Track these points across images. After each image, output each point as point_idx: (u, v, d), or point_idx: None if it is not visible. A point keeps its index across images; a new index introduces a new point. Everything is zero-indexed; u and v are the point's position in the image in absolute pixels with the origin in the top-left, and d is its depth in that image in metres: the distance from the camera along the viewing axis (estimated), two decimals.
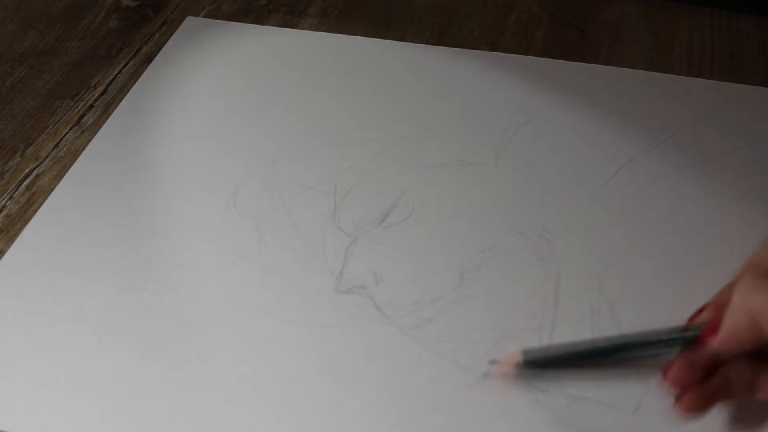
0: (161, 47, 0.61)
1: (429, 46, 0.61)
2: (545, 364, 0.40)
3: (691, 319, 0.39)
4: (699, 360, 0.37)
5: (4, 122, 0.56)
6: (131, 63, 0.60)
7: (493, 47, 0.60)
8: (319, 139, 0.53)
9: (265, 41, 0.62)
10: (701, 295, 0.43)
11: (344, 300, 0.43)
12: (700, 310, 0.39)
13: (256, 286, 0.44)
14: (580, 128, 0.52)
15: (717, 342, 0.36)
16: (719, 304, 0.38)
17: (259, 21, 0.64)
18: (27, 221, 0.48)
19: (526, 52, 0.60)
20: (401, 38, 0.62)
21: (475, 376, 0.40)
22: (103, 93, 0.58)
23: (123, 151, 0.52)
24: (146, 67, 0.59)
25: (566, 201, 0.48)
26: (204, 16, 0.65)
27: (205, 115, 0.55)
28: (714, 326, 0.36)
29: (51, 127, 0.55)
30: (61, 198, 0.50)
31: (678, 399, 0.37)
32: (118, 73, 0.59)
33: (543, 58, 0.59)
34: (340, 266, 0.45)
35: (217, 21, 0.64)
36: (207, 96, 0.57)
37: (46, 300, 0.44)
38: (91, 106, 0.57)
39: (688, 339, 0.38)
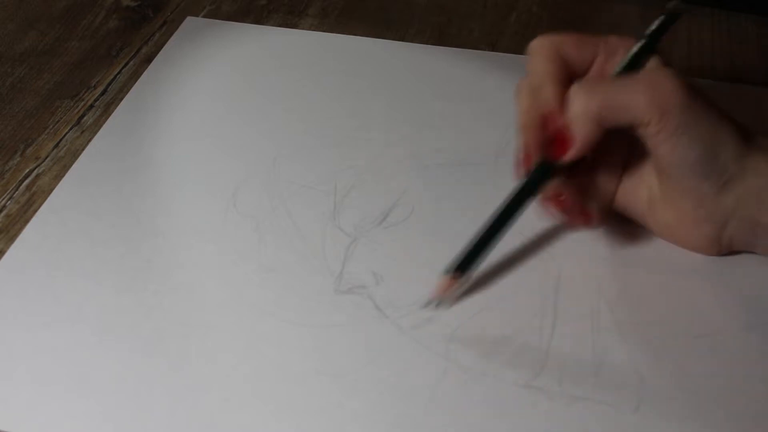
0: (161, 47, 0.61)
1: (429, 46, 0.61)
2: (468, 261, 0.43)
3: (526, 164, 0.43)
4: (564, 185, 0.43)
5: (4, 122, 0.56)
6: (131, 63, 0.60)
7: (493, 47, 0.60)
8: (319, 139, 0.53)
9: (265, 41, 0.62)
10: (701, 295, 0.43)
11: (344, 300, 0.43)
12: (527, 157, 0.43)
13: (256, 286, 0.44)
14: None
15: (575, 149, 0.41)
16: (529, 142, 0.42)
17: (259, 21, 0.64)
18: (27, 221, 0.48)
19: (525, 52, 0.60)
20: (401, 38, 0.62)
21: (475, 375, 0.40)
22: (103, 93, 0.58)
23: (123, 151, 0.52)
24: (146, 67, 0.59)
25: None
26: (204, 16, 0.65)
27: (205, 115, 0.55)
28: (559, 141, 0.41)
29: (51, 127, 0.55)
30: (61, 198, 0.49)
31: (570, 221, 0.44)
32: (118, 73, 0.59)
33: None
34: (340, 266, 0.45)
35: (217, 21, 0.64)
36: (207, 96, 0.57)
37: (46, 300, 0.44)
38: (91, 106, 0.57)
39: (544, 170, 0.42)
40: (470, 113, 0.54)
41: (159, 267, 0.45)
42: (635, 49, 0.43)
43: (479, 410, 0.38)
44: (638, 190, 0.45)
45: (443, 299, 0.43)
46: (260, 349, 0.41)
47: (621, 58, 0.43)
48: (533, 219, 0.47)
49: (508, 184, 0.49)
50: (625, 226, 0.46)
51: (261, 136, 0.53)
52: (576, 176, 0.44)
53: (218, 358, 0.41)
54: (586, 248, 0.45)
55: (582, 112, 0.40)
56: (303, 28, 0.63)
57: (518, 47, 0.60)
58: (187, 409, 0.39)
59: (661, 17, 0.44)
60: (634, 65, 0.42)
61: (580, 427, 0.38)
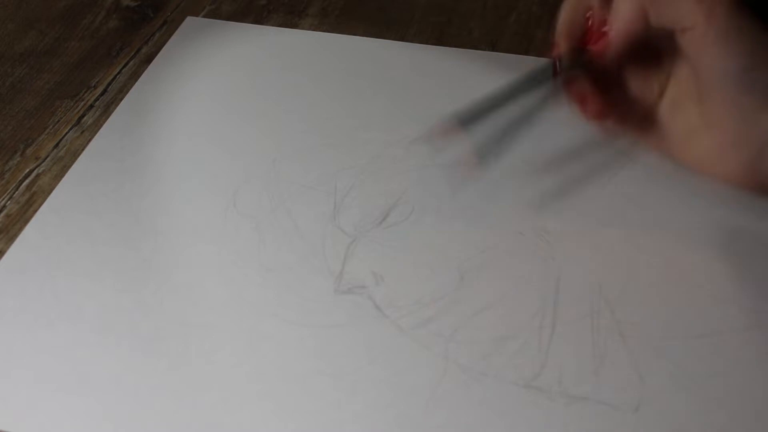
0: (161, 47, 0.61)
1: (429, 46, 0.61)
2: (472, 117, 0.45)
3: (555, 52, 0.45)
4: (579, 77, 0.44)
5: (4, 122, 0.56)
6: (131, 63, 0.60)
7: (493, 47, 0.60)
8: (320, 139, 0.53)
9: (266, 41, 0.62)
10: (702, 295, 0.43)
11: (344, 300, 0.43)
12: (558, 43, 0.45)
13: (256, 286, 0.44)
14: (581, 127, 0.52)
15: (615, 43, 0.42)
16: (569, 33, 0.44)
17: (259, 21, 0.64)
18: (27, 221, 0.48)
19: (526, 52, 0.60)
20: (401, 38, 0.62)
21: (475, 375, 0.40)
22: (103, 93, 0.58)
23: (123, 151, 0.53)
24: (146, 67, 0.59)
25: (567, 201, 0.48)
26: (204, 16, 0.65)
27: (206, 115, 0.55)
28: (597, 37, 0.42)
29: (51, 127, 0.55)
30: (62, 197, 0.50)
31: (587, 108, 0.45)
32: (118, 73, 0.59)
33: (544, 58, 0.58)
34: (340, 266, 0.45)
35: (218, 21, 0.64)
36: (207, 96, 0.57)
37: (46, 299, 0.44)
38: (91, 106, 0.57)
39: (574, 59, 0.44)
40: None
41: (159, 267, 0.45)
42: None
43: (479, 410, 0.38)
44: (675, 122, 0.44)
45: (434, 140, 0.45)
46: (260, 349, 0.41)
47: None
48: (534, 219, 0.47)
49: (509, 183, 0.49)
50: (626, 227, 0.46)
51: (261, 136, 0.53)
52: (608, 87, 0.45)
53: (218, 358, 0.41)
54: (586, 248, 0.45)
55: (627, 5, 0.41)
56: (303, 28, 0.63)
57: (518, 47, 0.60)
58: (186, 408, 0.39)
59: None
60: None
61: (580, 428, 0.38)
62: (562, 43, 0.45)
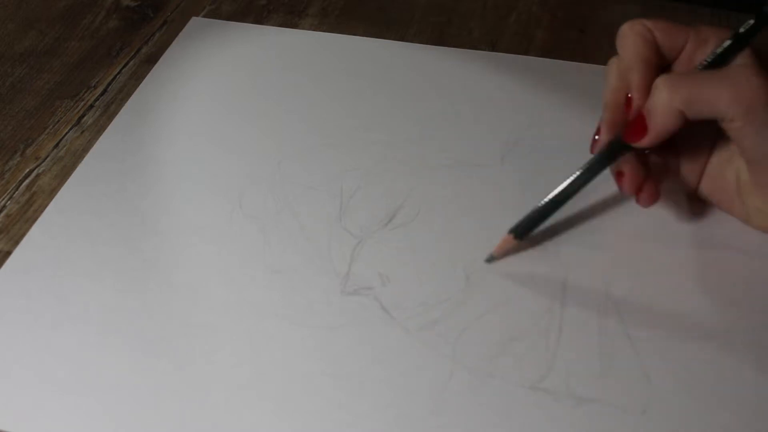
0: (161, 47, 0.61)
1: (429, 46, 0.61)
2: (531, 225, 0.45)
3: (594, 146, 0.45)
4: (635, 163, 0.44)
5: (4, 122, 0.55)
6: (131, 63, 0.60)
7: (493, 47, 0.61)
8: (321, 140, 0.53)
9: (269, 41, 0.61)
10: (710, 297, 0.43)
11: (350, 301, 0.44)
12: (598, 131, 0.45)
13: (262, 288, 0.44)
14: (585, 129, 0.52)
15: (650, 138, 0.42)
16: (611, 121, 0.44)
17: (258, 21, 0.64)
18: (27, 221, 0.48)
19: (526, 52, 0.60)
20: (401, 38, 0.62)
21: (482, 377, 0.40)
22: (103, 93, 0.58)
23: (128, 152, 0.52)
24: (146, 67, 0.59)
25: (573, 202, 0.48)
26: (204, 16, 0.64)
27: (211, 116, 0.55)
28: (637, 127, 0.42)
29: (51, 127, 0.55)
30: (67, 198, 0.49)
31: (639, 198, 0.45)
32: (118, 73, 0.59)
33: (546, 59, 0.59)
34: (346, 267, 0.45)
35: (222, 21, 0.64)
36: (213, 97, 0.57)
37: (50, 300, 0.44)
38: (91, 106, 0.57)
39: (618, 148, 0.44)
40: (473, 114, 0.54)
41: (163, 268, 0.45)
42: (725, 45, 0.42)
43: (486, 412, 0.39)
44: (725, 174, 0.45)
45: (500, 256, 0.45)
46: (266, 350, 0.41)
47: (711, 49, 0.43)
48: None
49: (515, 185, 0.49)
50: (633, 228, 0.47)
51: (266, 138, 0.53)
52: (660, 155, 0.46)
53: (223, 359, 0.41)
54: (593, 250, 0.46)
55: (663, 105, 0.41)
56: (303, 28, 0.63)
57: (518, 47, 0.60)
58: (190, 409, 0.39)
59: (753, 19, 0.43)
60: (722, 60, 0.42)
61: (587, 430, 0.38)
62: (605, 133, 0.45)
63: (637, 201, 0.45)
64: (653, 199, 0.45)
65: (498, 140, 0.52)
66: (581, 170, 0.45)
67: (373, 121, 0.54)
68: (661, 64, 0.44)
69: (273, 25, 0.63)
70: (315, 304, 0.43)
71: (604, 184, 0.49)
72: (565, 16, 0.64)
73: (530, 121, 0.54)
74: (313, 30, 0.63)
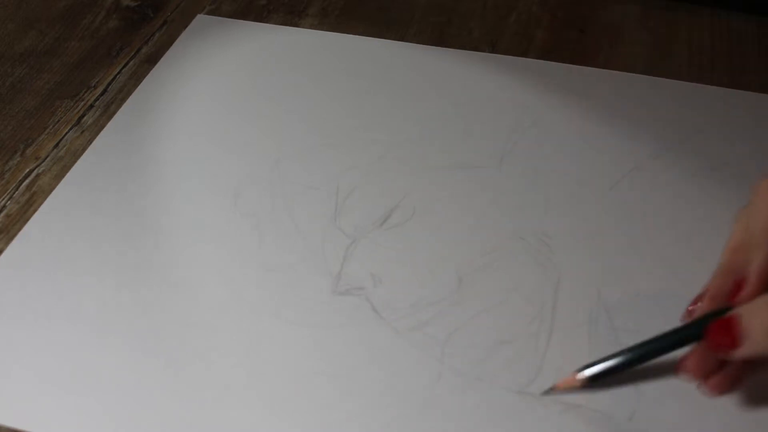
0: (161, 47, 0.61)
1: (429, 46, 0.61)
2: (602, 375, 0.39)
3: (690, 312, 0.39)
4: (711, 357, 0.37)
5: (4, 122, 0.56)
6: (131, 63, 0.60)
7: (493, 47, 0.60)
8: (321, 139, 0.53)
9: (273, 40, 0.62)
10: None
11: (342, 301, 0.44)
12: (697, 300, 0.39)
13: (256, 286, 0.44)
14: (584, 133, 0.52)
15: (740, 354, 0.35)
16: (714, 296, 0.38)
17: (259, 21, 0.64)
18: (27, 221, 0.48)
19: (526, 52, 0.60)
20: (401, 38, 0.61)
21: (470, 380, 0.40)
22: (103, 93, 0.58)
23: (126, 149, 0.53)
24: (146, 67, 0.59)
25: (569, 206, 0.48)
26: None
27: (210, 115, 0.55)
28: (723, 332, 0.35)
29: (51, 127, 0.55)
30: (63, 195, 0.50)
31: (704, 385, 0.38)
32: (118, 73, 0.59)
33: (545, 61, 0.58)
34: (339, 267, 0.45)
35: (227, 20, 0.64)
36: (212, 95, 0.57)
37: (46, 297, 0.44)
38: (91, 106, 0.57)
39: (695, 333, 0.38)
40: (472, 115, 0.54)
41: (159, 265, 0.46)
42: None
43: (473, 415, 0.39)
44: None
45: (560, 391, 0.40)
46: (258, 348, 0.41)
47: None
48: (536, 224, 0.47)
49: (512, 189, 0.49)
50: (628, 233, 0.46)
51: (265, 137, 0.53)
52: None
53: (216, 357, 0.41)
54: (586, 254, 0.45)
55: (762, 334, 0.34)
56: (303, 28, 0.63)
57: (518, 47, 0.60)
58: (183, 406, 0.39)
59: None
60: None
61: None
62: (707, 304, 0.38)
63: (702, 387, 0.38)
64: (721, 390, 0.38)
65: (497, 142, 0.52)
66: (664, 338, 0.39)
67: (372, 121, 0.54)
68: None
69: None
70: (307, 303, 0.43)
71: (607, 190, 0.49)
72: (565, 16, 0.63)
73: (529, 123, 0.53)
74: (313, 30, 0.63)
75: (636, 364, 0.39)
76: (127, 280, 0.45)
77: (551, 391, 0.39)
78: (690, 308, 0.39)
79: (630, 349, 0.39)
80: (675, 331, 0.39)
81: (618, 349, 0.40)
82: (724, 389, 0.38)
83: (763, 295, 0.35)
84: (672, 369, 0.40)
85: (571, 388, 0.39)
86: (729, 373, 0.37)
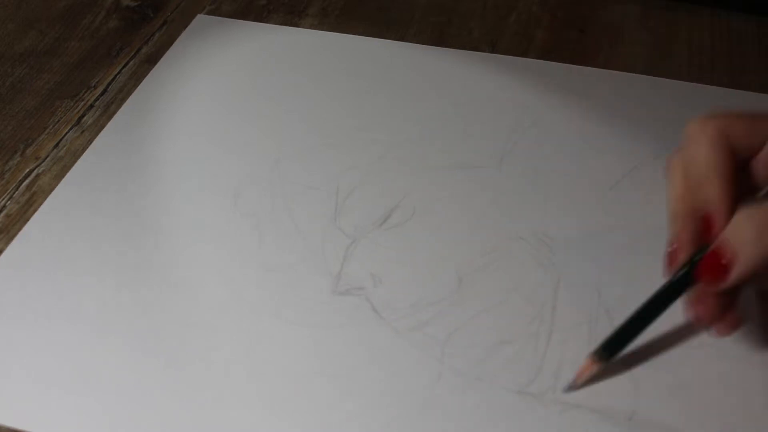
0: (161, 47, 0.61)
1: (429, 46, 0.61)
2: (613, 348, 0.40)
3: (671, 263, 0.38)
4: (713, 297, 0.37)
5: (4, 122, 0.56)
6: (131, 63, 0.60)
7: (493, 47, 0.60)
8: (321, 139, 0.53)
9: (273, 40, 0.62)
10: None
11: (341, 301, 0.44)
12: (671, 261, 0.38)
13: (256, 286, 0.44)
14: (584, 133, 0.52)
15: (733, 280, 0.35)
16: (687, 241, 0.37)
17: (259, 21, 0.64)
18: (27, 221, 0.48)
19: (526, 52, 0.60)
20: (401, 38, 0.62)
21: (470, 380, 0.40)
22: (103, 93, 0.58)
23: (126, 149, 0.53)
24: (146, 67, 0.59)
25: (569, 206, 0.48)
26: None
27: (210, 115, 0.55)
28: (711, 265, 0.36)
29: (51, 127, 0.55)
30: (63, 195, 0.50)
31: (713, 329, 0.38)
32: (118, 73, 0.60)
33: (545, 61, 0.58)
34: (339, 267, 0.45)
35: (227, 20, 0.64)
36: (212, 95, 0.57)
37: (46, 297, 0.44)
38: (91, 106, 0.57)
39: (686, 278, 0.38)
40: (472, 115, 0.54)
41: (159, 265, 0.46)
42: None
43: (473, 415, 0.39)
44: None
45: (582, 381, 0.40)
46: (258, 348, 0.41)
47: None
48: (536, 224, 0.47)
49: (512, 189, 0.49)
50: (628, 234, 0.46)
51: (265, 137, 0.53)
52: None
53: (215, 357, 0.41)
54: (586, 254, 0.45)
55: (752, 245, 0.35)
56: (303, 28, 0.63)
57: (518, 47, 0.60)
58: (183, 406, 0.39)
59: None
60: None
61: None
62: (682, 251, 0.38)
63: (712, 331, 0.39)
64: (731, 330, 0.38)
65: (497, 142, 0.52)
66: (652, 298, 0.39)
67: (372, 121, 0.54)
68: (738, 167, 0.37)
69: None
70: (307, 303, 0.43)
71: (608, 189, 0.49)
72: (565, 16, 0.63)
73: (529, 123, 0.53)
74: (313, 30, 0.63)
75: (643, 327, 0.39)
76: (127, 280, 0.45)
77: (572, 386, 0.39)
78: (669, 256, 0.39)
79: (632, 315, 0.39)
80: (668, 286, 0.38)
81: None
82: (735, 328, 0.38)
83: (738, 212, 0.35)
84: (671, 368, 0.40)
85: (590, 375, 0.39)
86: (738, 309, 0.38)
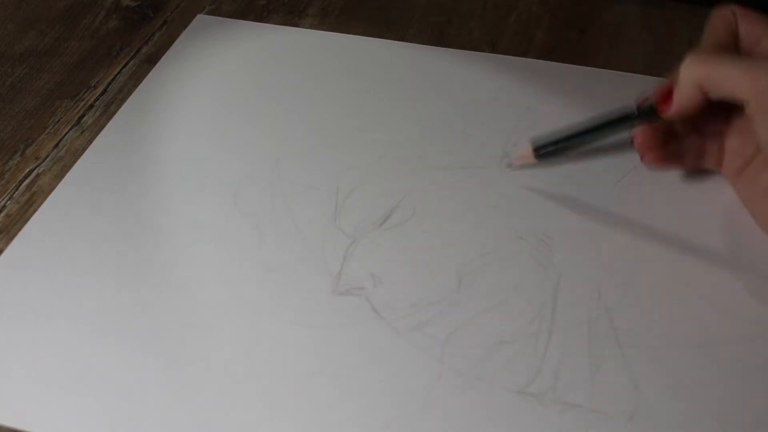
0: (161, 47, 0.61)
1: (429, 46, 0.61)
2: (551, 147, 0.49)
3: (643, 100, 0.46)
4: (657, 126, 0.46)
5: (4, 122, 0.56)
6: (131, 63, 0.60)
7: (493, 47, 0.60)
8: (321, 139, 0.53)
9: (273, 40, 0.62)
10: (701, 305, 0.43)
11: (341, 301, 0.44)
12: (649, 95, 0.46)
13: (256, 286, 0.44)
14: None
15: (672, 110, 0.44)
16: (665, 86, 0.45)
17: (259, 21, 0.64)
18: (27, 221, 0.48)
19: (526, 52, 0.60)
20: (401, 38, 0.62)
21: (470, 380, 0.40)
22: (103, 93, 0.58)
23: (126, 149, 0.53)
24: (146, 67, 0.59)
25: (569, 206, 0.48)
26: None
27: (210, 115, 0.55)
28: (666, 98, 0.44)
29: (51, 127, 0.55)
30: (63, 195, 0.50)
31: (644, 156, 0.47)
32: (118, 73, 0.60)
33: (545, 61, 0.58)
34: (338, 267, 0.45)
35: (227, 20, 0.64)
36: (212, 95, 0.57)
37: (46, 297, 0.44)
38: (91, 106, 0.57)
39: (647, 111, 0.46)
40: (473, 115, 0.54)
41: (159, 265, 0.46)
42: None
43: (473, 415, 0.39)
44: (762, 176, 0.45)
45: (517, 165, 0.50)
46: (257, 348, 0.41)
47: None
48: (536, 223, 0.47)
49: (512, 188, 0.49)
50: (628, 233, 0.46)
51: (265, 137, 0.53)
52: (705, 142, 0.47)
53: (215, 357, 0.41)
54: (587, 254, 0.45)
55: (685, 78, 0.42)
56: (303, 28, 0.63)
57: (518, 47, 0.60)
58: (183, 406, 0.39)
59: None
60: None
61: None
62: (655, 92, 0.46)
63: (642, 159, 0.47)
64: (656, 162, 0.47)
65: (497, 142, 0.52)
66: (615, 115, 0.47)
67: (372, 121, 0.54)
68: (737, 49, 0.45)
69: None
70: (307, 303, 0.43)
71: (608, 189, 0.49)
72: (565, 16, 0.63)
73: (530, 123, 0.53)
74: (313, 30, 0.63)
75: (586, 138, 0.49)
76: (127, 280, 0.45)
77: (510, 166, 0.50)
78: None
79: (589, 125, 0.48)
80: (633, 111, 0.47)
81: (617, 349, 0.40)
82: (659, 162, 0.47)
83: (685, 57, 0.43)
84: (671, 368, 0.40)
85: (528, 164, 0.50)
86: (663, 151, 0.47)
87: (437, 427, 0.38)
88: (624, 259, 0.45)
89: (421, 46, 0.61)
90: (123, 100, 0.57)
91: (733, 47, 0.44)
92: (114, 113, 0.55)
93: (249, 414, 0.39)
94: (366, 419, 0.39)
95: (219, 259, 0.46)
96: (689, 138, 0.47)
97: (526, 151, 0.50)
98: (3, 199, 0.50)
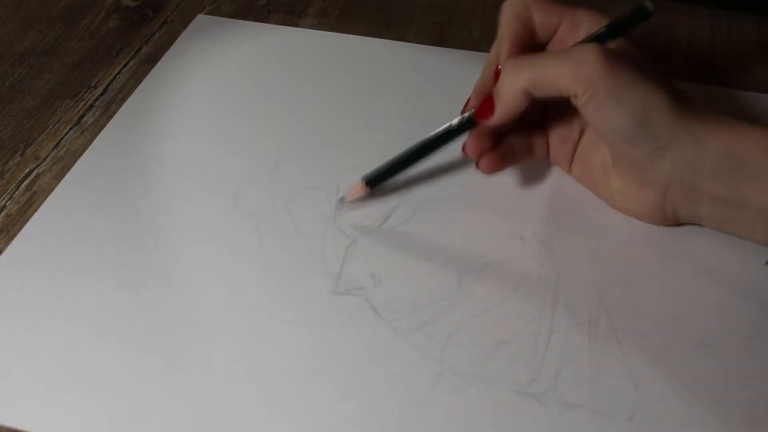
0: (161, 47, 0.61)
1: (429, 46, 0.61)
2: (382, 176, 0.48)
3: (465, 108, 0.47)
4: (484, 132, 0.46)
5: (4, 122, 0.56)
6: (131, 63, 0.60)
7: None
8: (321, 139, 0.53)
9: (273, 40, 0.62)
10: (702, 305, 0.43)
11: (341, 301, 0.44)
12: (468, 101, 0.48)
13: (255, 286, 0.44)
14: None
15: (496, 117, 0.44)
16: (480, 90, 0.47)
17: (259, 21, 0.64)
18: (27, 221, 0.48)
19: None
20: (401, 38, 0.62)
21: (470, 380, 0.40)
22: (103, 93, 0.58)
23: (126, 149, 0.53)
24: (146, 67, 0.59)
25: (569, 207, 0.48)
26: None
27: (210, 115, 0.55)
28: (486, 106, 0.44)
29: (51, 127, 0.55)
30: (63, 195, 0.50)
31: (478, 163, 0.47)
32: (118, 73, 0.60)
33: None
34: (338, 267, 0.45)
35: (227, 20, 0.64)
36: (215, 95, 0.57)
37: (46, 297, 0.44)
38: (91, 106, 0.57)
39: (467, 123, 0.46)
40: None
41: (159, 265, 0.46)
42: (598, 32, 0.44)
43: (473, 415, 0.39)
44: (593, 157, 0.47)
45: (350, 200, 0.48)
46: (257, 348, 0.41)
47: (584, 33, 0.45)
48: (536, 224, 0.47)
49: (512, 189, 0.49)
50: (628, 234, 0.46)
51: (265, 137, 0.53)
52: (529, 136, 0.49)
53: (215, 357, 0.41)
54: (587, 254, 0.45)
55: (507, 87, 0.43)
56: (303, 28, 0.63)
57: None
58: (183, 406, 0.39)
59: (631, 11, 0.44)
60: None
61: None
62: (473, 101, 0.47)
63: (477, 166, 0.47)
64: (491, 167, 0.47)
65: None
66: (439, 132, 0.47)
67: (372, 121, 0.54)
68: (534, 42, 0.46)
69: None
70: (307, 303, 0.43)
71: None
72: None
73: None
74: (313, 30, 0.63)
75: (411, 163, 0.48)
76: (127, 280, 0.45)
77: (343, 201, 0.49)
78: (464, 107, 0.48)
79: (412, 149, 0.48)
80: (445, 131, 0.47)
81: (617, 349, 0.40)
82: (493, 166, 0.47)
83: (504, 64, 0.44)
84: (671, 368, 0.40)
85: (360, 197, 0.48)
86: (495, 154, 0.47)
87: (437, 427, 0.38)
88: (624, 259, 0.45)
89: (421, 46, 0.61)
90: (123, 100, 0.57)
91: (530, 39, 0.46)
92: (114, 113, 0.56)
93: (249, 414, 0.39)
94: (366, 419, 0.39)
95: (219, 259, 0.46)
96: (516, 134, 0.48)
97: (358, 186, 0.48)
98: (3, 199, 0.50)
